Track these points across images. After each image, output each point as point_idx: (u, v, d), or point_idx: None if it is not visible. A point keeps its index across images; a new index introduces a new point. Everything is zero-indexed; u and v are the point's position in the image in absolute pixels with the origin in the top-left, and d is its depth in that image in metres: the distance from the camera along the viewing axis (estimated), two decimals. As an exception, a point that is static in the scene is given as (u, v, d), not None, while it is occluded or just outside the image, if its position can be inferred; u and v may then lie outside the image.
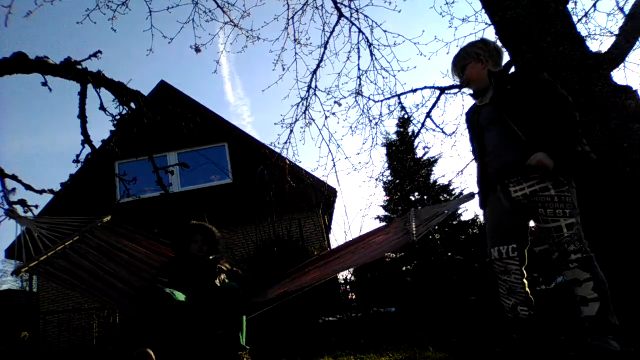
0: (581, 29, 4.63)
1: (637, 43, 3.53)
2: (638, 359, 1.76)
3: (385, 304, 6.08)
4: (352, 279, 6.19)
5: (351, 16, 5.46)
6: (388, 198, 11.35)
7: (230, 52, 17.19)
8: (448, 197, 10.69)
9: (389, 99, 5.79)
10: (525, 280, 2.02)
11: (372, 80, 9.36)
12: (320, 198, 7.16)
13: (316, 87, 5.67)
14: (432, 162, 11.04)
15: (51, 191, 2.93)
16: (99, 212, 3.03)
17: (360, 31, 5.48)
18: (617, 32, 3.65)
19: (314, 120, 5.74)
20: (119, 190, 8.85)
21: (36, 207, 2.78)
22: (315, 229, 8.78)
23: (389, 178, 11.05)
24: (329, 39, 5.52)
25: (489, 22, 4.47)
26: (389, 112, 8.52)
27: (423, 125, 5.98)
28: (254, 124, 43.30)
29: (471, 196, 2.29)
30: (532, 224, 2.09)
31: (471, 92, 2.31)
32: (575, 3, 5.01)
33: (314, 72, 5.61)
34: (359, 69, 5.71)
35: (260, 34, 7.38)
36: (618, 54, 3.40)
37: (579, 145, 1.91)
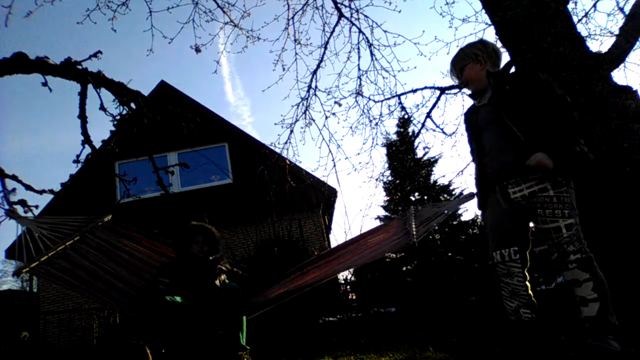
0: (581, 29, 4.65)
1: (637, 43, 3.53)
2: (638, 359, 1.76)
3: (385, 304, 6.08)
4: (352, 279, 6.19)
5: (351, 16, 5.46)
6: (388, 198, 11.35)
7: (230, 52, 17.21)
8: (448, 197, 10.68)
9: (389, 99, 5.80)
10: (527, 283, 2.01)
11: (372, 80, 9.39)
12: (320, 198, 7.16)
13: (316, 87, 5.67)
14: (432, 162, 11.04)
15: (51, 191, 2.93)
16: (99, 212, 3.02)
17: (360, 31, 5.49)
18: (617, 32, 3.65)
19: (314, 120, 5.74)
20: (119, 190, 8.85)
21: (36, 207, 2.78)
22: (315, 229, 8.78)
23: (389, 178, 11.06)
24: (329, 39, 5.53)
25: (489, 22, 4.48)
26: (389, 112, 8.54)
27: (423, 125, 5.98)
28: (254, 124, 43.37)
29: (471, 196, 2.29)
30: (532, 224, 2.09)
31: (470, 92, 2.31)
32: (575, 3, 5.02)
33: (314, 72, 5.62)
34: (359, 69, 5.71)
35: (260, 34, 7.40)
36: (618, 54, 3.40)
37: (577, 145, 1.91)
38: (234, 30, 6.08)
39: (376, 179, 6.66)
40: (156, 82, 10.74)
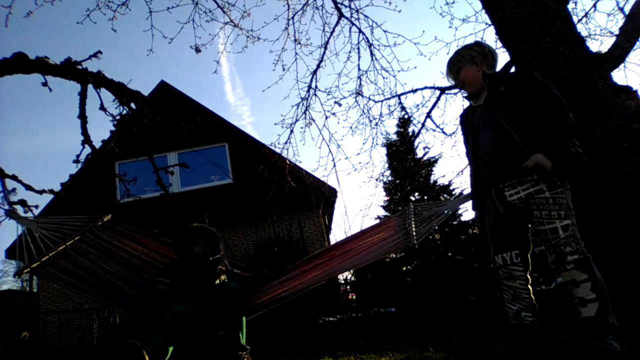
0: (581, 29, 4.66)
1: (637, 43, 3.53)
2: (638, 359, 1.76)
3: (385, 304, 6.08)
4: (352, 279, 6.20)
5: (351, 16, 5.47)
6: (388, 198, 11.34)
7: (230, 52, 17.25)
8: (448, 197, 10.67)
9: (389, 99, 5.81)
10: (530, 286, 2.01)
11: (372, 80, 9.41)
12: (320, 198, 7.17)
13: (316, 87, 5.68)
14: (432, 162, 11.03)
15: (51, 191, 2.93)
16: (99, 212, 3.02)
17: (360, 31, 5.50)
18: (617, 32, 3.65)
19: (314, 120, 5.75)
20: (119, 190, 8.85)
21: (36, 207, 2.78)
22: (315, 229, 8.78)
23: (389, 178, 11.05)
24: (329, 39, 5.54)
25: (489, 22, 4.48)
26: (389, 112, 8.55)
27: (423, 125, 5.99)
28: (254, 124, 43.36)
29: (471, 196, 2.30)
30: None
31: (466, 94, 2.31)
32: (575, 3, 5.03)
33: (314, 72, 5.62)
34: (359, 69, 5.72)
35: (260, 34, 7.39)
36: (618, 54, 3.40)
37: (572, 146, 1.92)
38: (234, 30, 6.10)
39: (376, 179, 6.68)
40: (156, 82, 10.77)
